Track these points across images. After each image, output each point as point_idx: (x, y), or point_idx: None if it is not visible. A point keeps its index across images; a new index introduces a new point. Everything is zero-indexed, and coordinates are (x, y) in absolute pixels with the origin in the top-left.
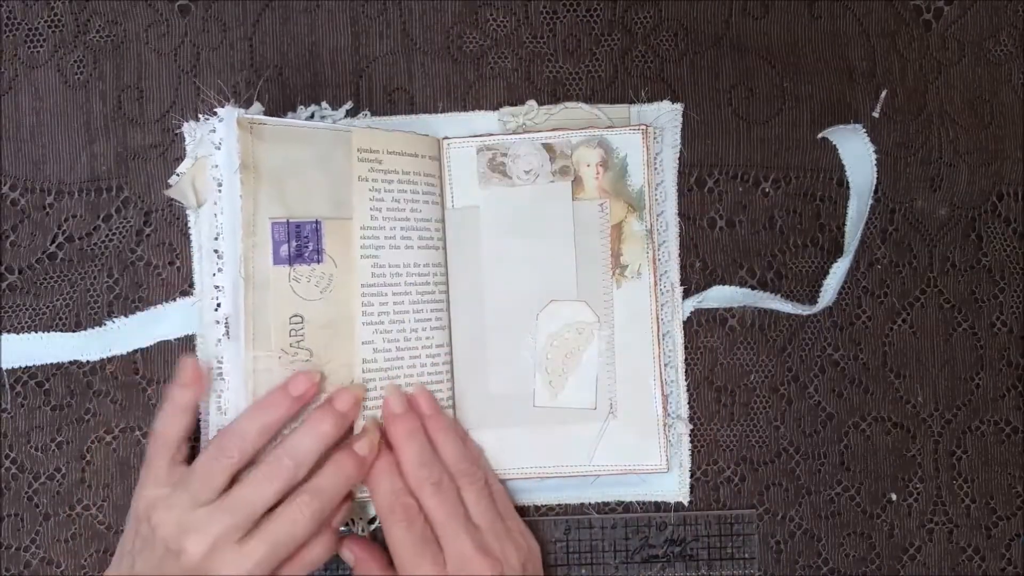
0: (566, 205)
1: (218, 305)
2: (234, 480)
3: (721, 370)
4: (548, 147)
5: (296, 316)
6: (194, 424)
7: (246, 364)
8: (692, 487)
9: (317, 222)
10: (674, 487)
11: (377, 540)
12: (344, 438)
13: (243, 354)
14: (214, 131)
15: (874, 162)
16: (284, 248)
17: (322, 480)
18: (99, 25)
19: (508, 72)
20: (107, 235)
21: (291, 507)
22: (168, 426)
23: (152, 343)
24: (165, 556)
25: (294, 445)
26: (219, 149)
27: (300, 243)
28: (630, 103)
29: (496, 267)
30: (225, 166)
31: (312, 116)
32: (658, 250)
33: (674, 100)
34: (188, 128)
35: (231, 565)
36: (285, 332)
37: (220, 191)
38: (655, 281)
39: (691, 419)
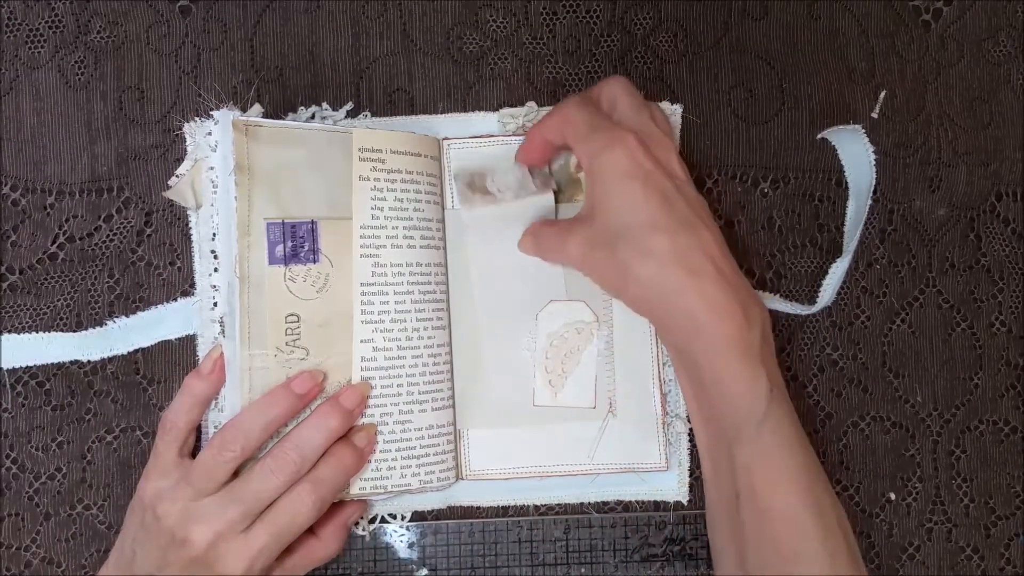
0: (550, 217)
1: (214, 304)
2: (235, 474)
3: None
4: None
5: (292, 315)
6: (201, 418)
7: (242, 362)
8: (691, 486)
9: (313, 222)
10: (673, 486)
11: (377, 540)
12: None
13: (239, 352)
14: (210, 134)
15: (873, 162)
16: (279, 248)
17: (323, 471)
18: (100, 26)
19: (508, 73)
20: (108, 235)
21: (293, 497)
22: (180, 416)
23: (153, 343)
24: (169, 545)
25: (301, 439)
26: (215, 151)
27: (296, 243)
28: None
29: (493, 268)
30: (220, 168)
31: (313, 117)
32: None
33: (673, 101)
34: (189, 129)
35: (235, 554)
36: (281, 331)
37: (215, 192)
38: None
39: (690, 418)
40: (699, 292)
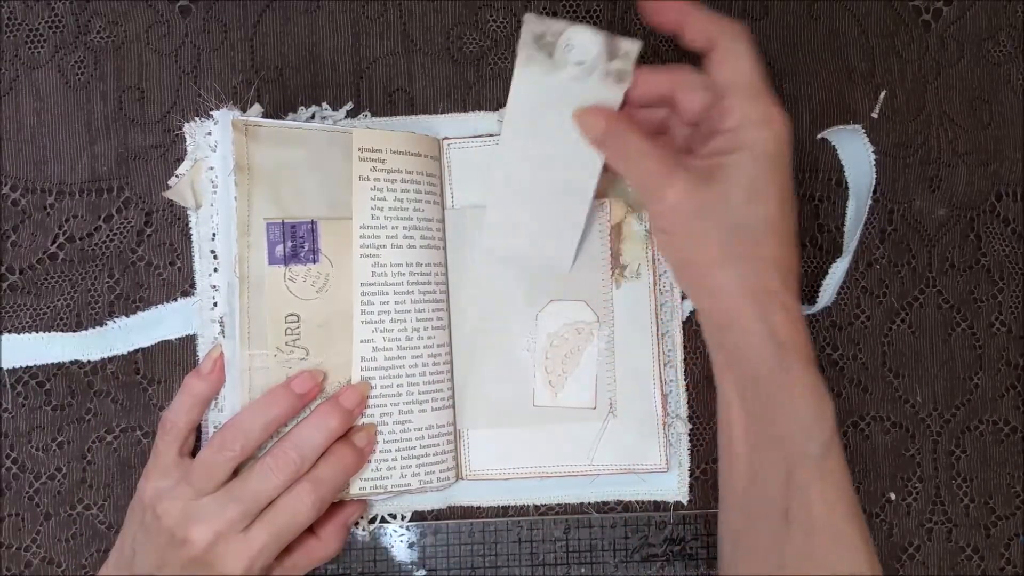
0: None
1: (214, 304)
2: (234, 474)
3: None
4: (611, 41)
5: (292, 315)
6: (201, 418)
7: (242, 362)
8: (691, 486)
9: (313, 222)
10: (673, 486)
11: (377, 540)
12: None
13: (239, 352)
14: (210, 134)
15: (873, 162)
16: (279, 248)
17: (323, 471)
18: (100, 26)
19: (508, 73)
20: (108, 235)
21: (292, 496)
22: (180, 416)
23: (153, 343)
24: (168, 545)
25: (300, 439)
26: (215, 151)
27: (295, 243)
28: None
29: (495, 266)
30: (220, 168)
31: (313, 117)
32: (657, 250)
33: None
34: (189, 129)
35: (234, 554)
36: (281, 331)
37: (215, 192)
38: (655, 281)
39: (690, 418)
40: (788, 309)
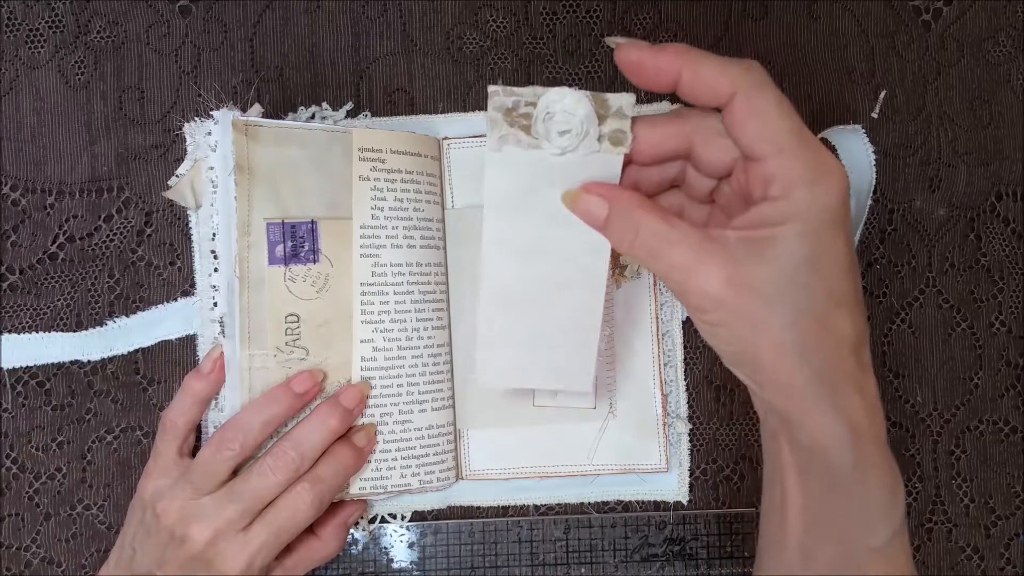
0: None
1: (214, 304)
2: (234, 473)
3: (720, 369)
4: (598, 100)
5: (292, 315)
6: (200, 417)
7: (242, 362)
8: (691, 486)
9: (313, 222)
10: (673, 486)
11: (377, 540)
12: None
13: (239, 352)
14: (210, 134)
15: (873, 162)
16: (279, 248)
17: (322, 470)
18: (100, 26)
19: (508, 73)
20: (108, 235)
21: (292, 495)
22: (179, 415)
23: (153, 343)
24: (168, 544)
25: (300, 438)
26: (215, 151)
27: (295, 243)
28: None
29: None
30: (220, 168)
31: (313, 117)
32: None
33: (673, 101)
34: (189, 129)
35: (233, 552)
36: (281, 331)
37: (215, 192)
38: (655, 281)
39: (690, 418)
40: (865, 392)
